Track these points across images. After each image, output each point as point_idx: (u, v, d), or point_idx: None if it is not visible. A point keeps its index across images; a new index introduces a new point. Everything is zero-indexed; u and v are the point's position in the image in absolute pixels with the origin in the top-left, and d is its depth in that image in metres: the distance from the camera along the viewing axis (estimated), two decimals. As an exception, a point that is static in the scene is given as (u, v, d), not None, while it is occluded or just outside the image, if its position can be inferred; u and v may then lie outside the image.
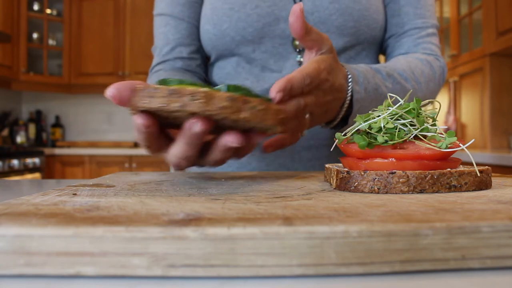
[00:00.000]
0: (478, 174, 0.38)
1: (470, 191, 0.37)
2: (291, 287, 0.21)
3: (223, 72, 0.75)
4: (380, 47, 0.78)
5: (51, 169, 3.30)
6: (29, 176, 2.98)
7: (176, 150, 0.39)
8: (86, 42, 3.59)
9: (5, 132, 3.48)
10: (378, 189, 0.37)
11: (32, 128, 3.73)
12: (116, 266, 0.22)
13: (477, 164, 0.39)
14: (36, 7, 3.47)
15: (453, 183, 0.37)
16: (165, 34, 0.75)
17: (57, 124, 3.84)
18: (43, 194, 0.35)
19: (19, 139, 3.57)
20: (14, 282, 0.22)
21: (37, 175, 3.07)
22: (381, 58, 0.83)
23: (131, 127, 3.86)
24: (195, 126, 0.35)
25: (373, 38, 0.72)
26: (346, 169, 0.39)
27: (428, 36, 0.74)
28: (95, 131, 3.91)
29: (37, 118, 3.78)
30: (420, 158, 0.38)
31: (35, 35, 3.50)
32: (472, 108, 2.84)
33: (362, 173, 0.38)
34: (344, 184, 0.39)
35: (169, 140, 0.41)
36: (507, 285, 0.21)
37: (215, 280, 0.22)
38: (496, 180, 0.45)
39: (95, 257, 0.22)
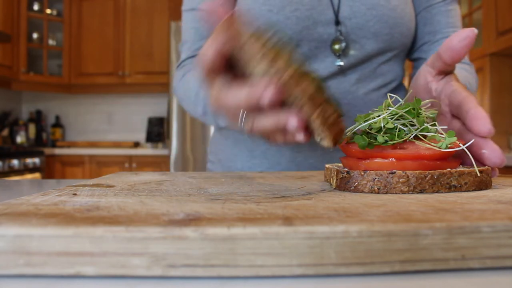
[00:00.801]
0: (478, 174, 0.38)
1: (470, 191, 0.37)
2: (291, 287, 0.21)
3: None
4: (408, 53, 0.80)
5: (51, 169, 3.30)
6: (29, 176, 2.98)
7: (265, 123, 0.37)
8: (86, 42, 3.59)
9: (5, 132, 3.48)
10: (378, 189, 0.37)
11: (32, 128, 3.73)
12: (116, 266, 0.22)
13: (477, 164, 0.39)
14: (36, 7, 3.47)
15: (453, 183, 0.37)
16: (197, 29, 0.75)
17: (57, 124, 3.84)
18: (43, 194, 0.35)
19: (19, 139, 3.57)
20: (14, 282, 0.22)
21: (37, 175, 3.07)
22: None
23: (131, 127, 3.87)
24: (291, 122, 0.34)
25: (404, 45, 0.74)
26: (346, 169, 0.39)
27: None
28: (95, 131, 3.91)
29: (37, 118, 3.78)
30: (420, 158, 0.38)
31: (35, 35, 3.50)
32: (472, 108, 2.84)
33: (362, 173, 0.38)
34: (344, 184, 0.39)
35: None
36: (507, 285, 0.21)
37: (215, 280, 0.22)
38: (496, 180, 0.45)
39: (95, 257, 0.22)
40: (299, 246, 0.22)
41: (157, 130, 3.59)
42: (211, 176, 0.55)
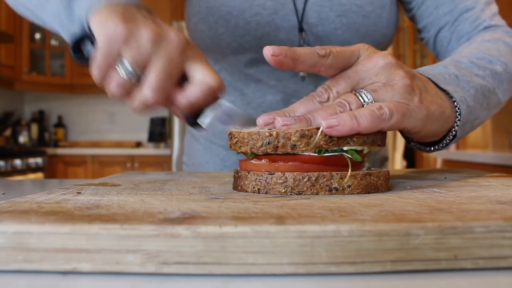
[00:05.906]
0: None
1: (355, 194, 0.36)
2: (281, 285, 0.21)
3: None
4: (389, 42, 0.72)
5: (54, 169, 3.31)
6: (31, 176, 2.99)
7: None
8: (89, 42, 3.60)
9: (8, 132, 3.49)
10: (259, 189, 0.37)
11: (34, 128, 3.74)
12: (111, 263, 0.22)
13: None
14: (39, 7, 3.48)
15: (334, 186, 0.36)
16: None
17: (60, 124, 3.85)
18: (49, 193, 0.35)
19: (22, 139, 3.58)
20: (13, 278, 0.22)
21: (39, 175, 3.08)
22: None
23: (133, 127, 3.87)
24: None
25: (381, 47, 0.67)
26: (237, 170, 0.41)
27: (482, 12, 0.66)
28: (97, 131, 3.92)
29: (40, 118, 3.79)
30: (293, 160, 0.37)
31: (37, 36, 3.51)
32: (474, 109, 2.82)
33: (247, 174, 0.38)
34: (235, 184, 0.40)
35: None
36: (500, 286, 0.22)
37: (207, 278, 0.22)
38: (499, 180, 0.45)
39: (91, 254, 0.22)
40: (290, 245, 0.22)
41: (159, 130, 3.59)
42: (216, 175, 0.55)
